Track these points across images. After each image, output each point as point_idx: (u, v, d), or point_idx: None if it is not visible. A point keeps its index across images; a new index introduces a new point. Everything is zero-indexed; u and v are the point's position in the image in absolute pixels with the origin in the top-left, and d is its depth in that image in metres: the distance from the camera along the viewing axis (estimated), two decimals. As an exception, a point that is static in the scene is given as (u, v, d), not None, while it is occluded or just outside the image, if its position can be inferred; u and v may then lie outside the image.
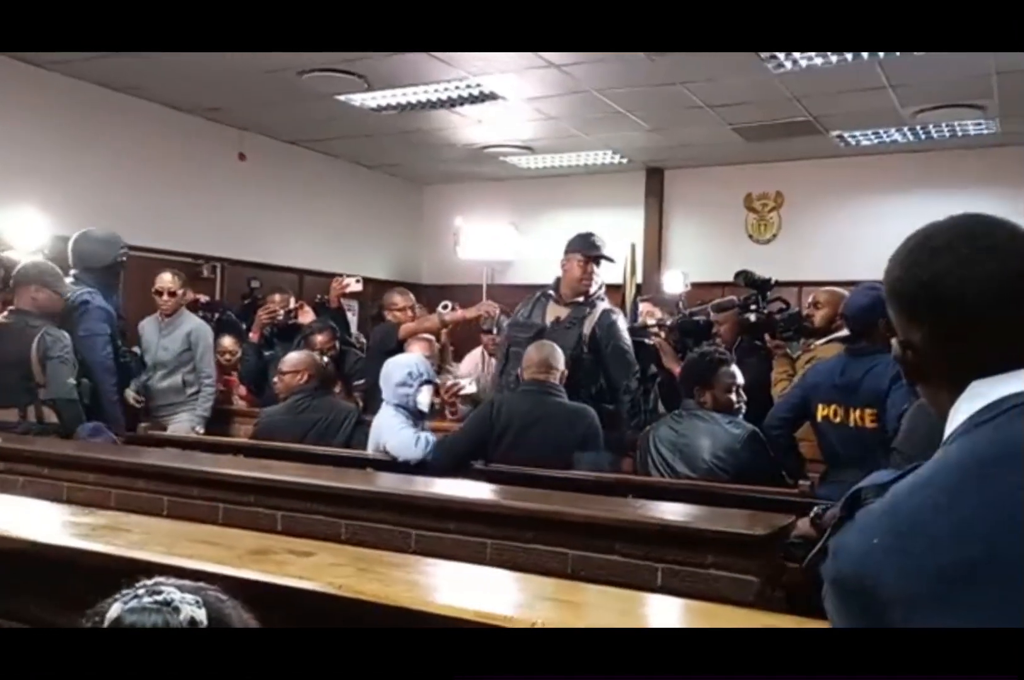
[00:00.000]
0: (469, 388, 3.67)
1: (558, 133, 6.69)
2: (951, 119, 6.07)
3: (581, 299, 3.73)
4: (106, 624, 0.86)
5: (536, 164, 7.72)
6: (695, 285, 5.73)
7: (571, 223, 8.17)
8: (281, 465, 3.12)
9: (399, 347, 4.29)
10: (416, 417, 3.46)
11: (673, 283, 5.54)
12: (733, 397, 3.09)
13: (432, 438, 3.32)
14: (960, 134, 6.40)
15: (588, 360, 3.61)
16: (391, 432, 3.36)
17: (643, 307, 4.87)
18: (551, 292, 3.84)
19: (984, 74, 5.09)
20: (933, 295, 0.91)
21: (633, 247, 7.61)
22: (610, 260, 3.83)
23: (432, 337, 4.68)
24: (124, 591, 0.90)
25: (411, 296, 5.06)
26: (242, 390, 5.13)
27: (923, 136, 6.48)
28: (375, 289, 7.79)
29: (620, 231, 7.80)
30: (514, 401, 3.23)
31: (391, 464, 3.31)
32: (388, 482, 2.97)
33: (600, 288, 3.80)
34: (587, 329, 3.64)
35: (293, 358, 3.98)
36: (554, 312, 3.75)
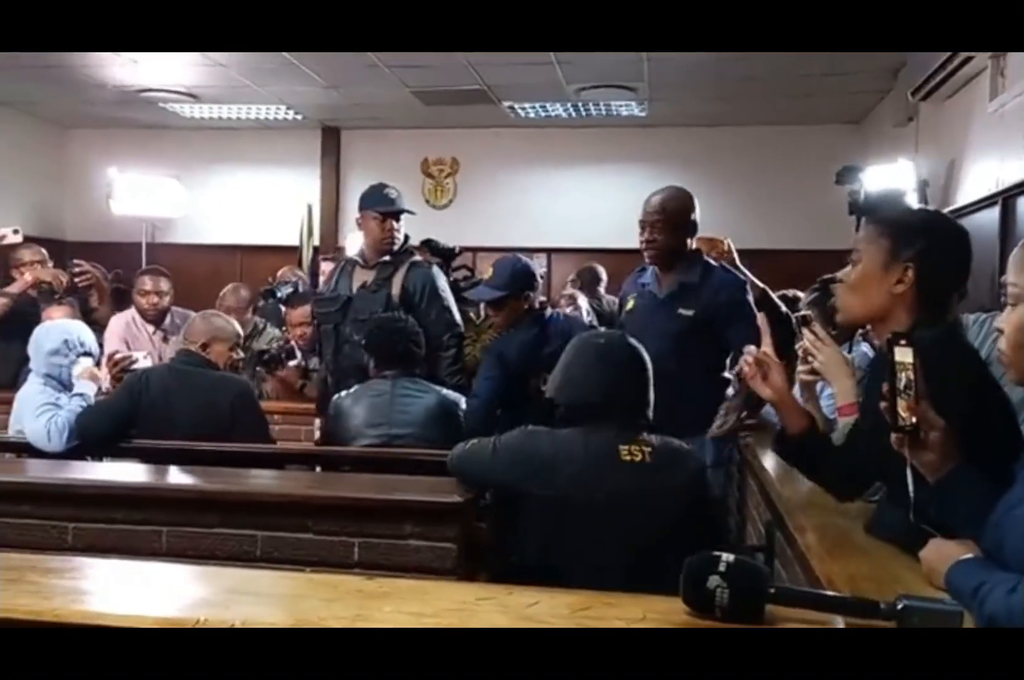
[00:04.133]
0: (143, 362, 3.20)
1: (226, 81, 6.22)
2: (607, 99, 6.56)
3: (387, 258, 3.39)
4: None
5: (202, 114, 7.13)
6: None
7: (243, 179, 7.78)
8: None
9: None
10: (67, 390, 3.01)
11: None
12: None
13: (67, 422, 2.85)
14: (615, 113, 6.94)
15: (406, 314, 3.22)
16: (29, 416, 2.89)
17: (325, 266, 4.72)
18: (356, 257, 3.49)
19: (637, 59, 5.53)
20: None
21: (310, 208, 7.39)
22: (410, 212, 3.49)
23: (74, 303, 4.09)
24: None
25: (43, 251, 4.42)
26: None
27: (584, 113, 6.94)
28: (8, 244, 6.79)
29: (295, 191, 7.54)
30: (162, 374, 2.95)
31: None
32: (32, 469, 2.59)
33: (406, 242, 3.45)
34: (396, 289, 3.31)
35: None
36: (361, 278, 3.40)
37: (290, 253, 7.03)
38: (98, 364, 3.14)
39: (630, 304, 3.06)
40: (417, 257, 3.47)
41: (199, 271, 6.84)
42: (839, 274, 1.68)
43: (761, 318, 1.80)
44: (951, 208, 4.81)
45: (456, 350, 3.33)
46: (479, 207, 7.52)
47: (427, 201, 7.64)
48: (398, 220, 3.41)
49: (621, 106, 6.74)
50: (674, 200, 2.90)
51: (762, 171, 7.06)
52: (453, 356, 3.31)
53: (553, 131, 7.38)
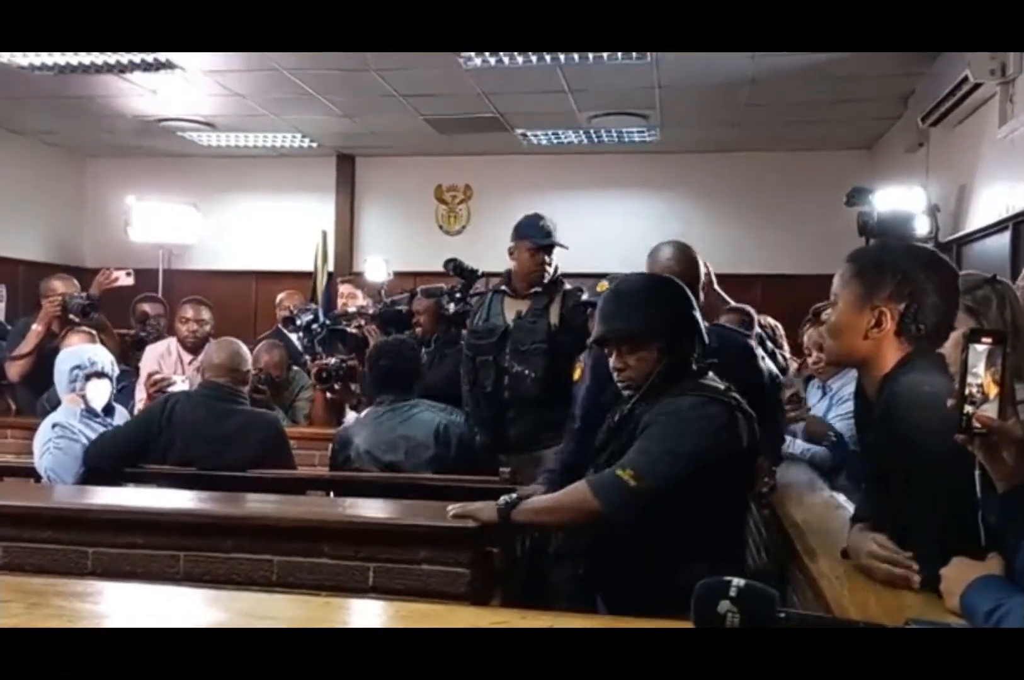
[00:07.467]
0: (180, 385, 3.19)
1: (243, 111, 6.33)
2: (619, 126, 6.63)
3: (539, 289, 3.35)
4: None
5: (219, 142, 7.25)
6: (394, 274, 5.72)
7: (259, 206, 7.88)
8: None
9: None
10: (91, 415, 3.03)
11: (375, 271, 5.49)
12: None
13: (53, 462, 2.82)
14: (627, 140, 7.01)
15: (567, 345, 3.19)
16: (36, 453, 2.88)
17: (343, 288, 4.76)
18: (503, 287, 3.44)
19: (649, 86, 5.60)
20: None
21: (324, 234, 7.47)
22: (563, 247, 3.43)
23: (91, 330, 4.13)
24: None
25: (75, 282, 4.52)
26: None
27: (596, 139, 7.00)
28: (28, 272, 6.91)
29: (310, 218, 7.63)
30: (187, 405, 2.92)
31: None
32: (53, 494, 2.63)
33: (556, 273, 3.39)
34: (554, 318, 3.28)
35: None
36: (513, 307, 3.36)
37: (305, 279, 7.10)
38: (121, 388, 3.17)
39: None
40: (568, 286, 3.43)
41: (215, 297, 6.83)
42: (823, 317, 1.66)
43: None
44: (961, 233, 4.83)
45: None
46: (492, 233, 7.53)
47: (440, 227, 7.71)
48: (550, 254, 3.37)
49: (633, 132, 6.81)
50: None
51: (773, 196, 7.10)
52: None
53: (565, 157, 7.45)
